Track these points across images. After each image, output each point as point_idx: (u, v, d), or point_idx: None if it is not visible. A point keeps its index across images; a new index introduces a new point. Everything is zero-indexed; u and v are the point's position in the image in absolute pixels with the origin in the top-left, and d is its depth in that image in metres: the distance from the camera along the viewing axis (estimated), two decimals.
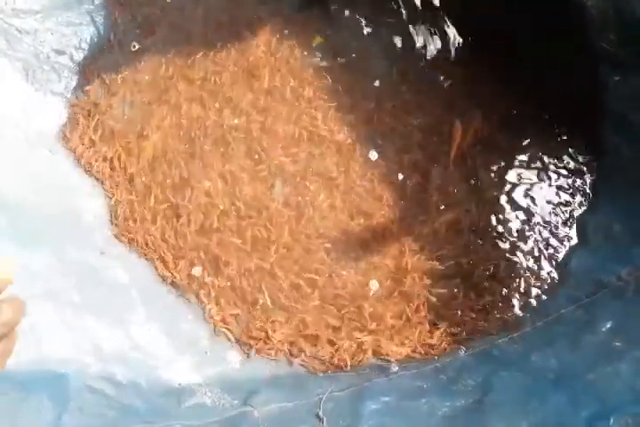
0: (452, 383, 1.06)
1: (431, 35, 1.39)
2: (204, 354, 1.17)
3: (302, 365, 1.17)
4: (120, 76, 1.33)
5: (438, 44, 1.39)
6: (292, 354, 1.19)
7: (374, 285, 1.21)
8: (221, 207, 1.27)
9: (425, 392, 1.04)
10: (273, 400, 1.06)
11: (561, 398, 0.94)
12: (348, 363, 1.17)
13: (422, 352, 1.16)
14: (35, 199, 1.17)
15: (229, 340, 1.19)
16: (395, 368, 1.14)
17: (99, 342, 1.08)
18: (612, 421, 0.86)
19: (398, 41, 1.38)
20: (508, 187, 1.32)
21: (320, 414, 1.03)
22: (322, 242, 1.26)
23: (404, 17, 1.40)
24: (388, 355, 1.17)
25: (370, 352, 1.17)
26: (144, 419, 1.01)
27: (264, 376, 1.14)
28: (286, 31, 1.38)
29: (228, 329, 1.20)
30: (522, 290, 1.24)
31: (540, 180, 1.32)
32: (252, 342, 1.19)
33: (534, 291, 1.23)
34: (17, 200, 1.14)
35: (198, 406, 1.08)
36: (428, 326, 1.20)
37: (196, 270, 1.23)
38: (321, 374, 1.15)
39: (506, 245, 1.27)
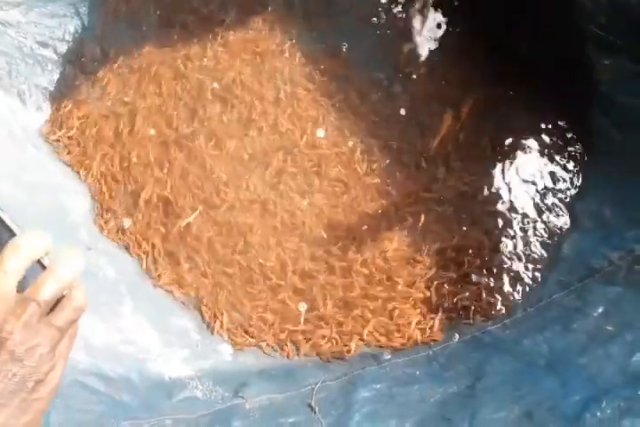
0: (445, 370, 1.06)
1: (421, 22, 1.38)
2: (194, 347, 1.16)
3: (294, 355, 1.17)
4: (105, 68, 1.32)
5: (429, 31, 1.38)
6: (281, 346, 1.18)
7: (302, 306, 1.20)
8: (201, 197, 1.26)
9: (417, 379, 1.04)
10: (264, 392, 1.05)
11: (553, 383, 0.94)
12: (343, 352, 1.16)
13: (414, 340, 1.16)
14: (19, 196, 1.16)
15: (219, 333, 1.19)
16: (387, 356, 1.13)
17: (88, 338, 1.07)
18: (604, 404, 0.86)
19: (388, 30, 1.38)
20: (496, 172, 1.31)
21: (312, 404, 1.03)
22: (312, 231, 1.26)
23: (394, 4, 1.39)
24: (380, 342, 1.17)
25: (361, 341, 1.17)
26: (134, 414, 1.01)
27: (255, 368, 1.14)
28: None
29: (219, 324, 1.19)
30: (513, 276, 1.23)
31: (529, 165, 1.32)
32: (240, 335, 1.18)
33: (525, 276, 1.23)
34: (1, 197, 1.12)
35: (189, 399, 1.07)
36: (419, 314, 1.19)
37: (126, 222, 1.23)
38: (313, 365, 1.15)
39: (496, 231, 1.27)
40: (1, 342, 0.43)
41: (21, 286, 0.45)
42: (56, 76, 1.31)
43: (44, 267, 0.47)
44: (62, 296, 0.47)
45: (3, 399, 0.42)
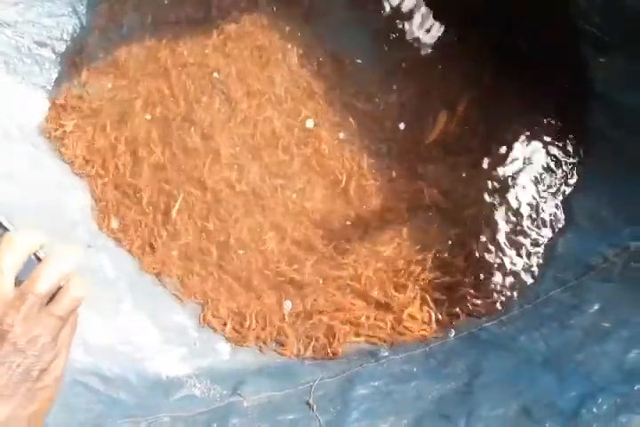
0: (442, 367, 1.06)
1: (422, 21, 1.39)
2: (192, 345, 1.16)
3: (290, 353, 1.17)
4: (104, 66, 1.32)
5: (429, 31, 1.39)
6: (278, 344, 1.18)
7: (288, 305, 1.20)
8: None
9: (415, 376, 1.05)
10: (262, 389, 1.06)
11: (549, 379, 0.94)
12: (339, 350, 1.17)
13: (411, 337, 1.16)
14: (18, 194, 1.16)
15: (216, 331, 1.19)
16: (385, 353, 1.14)
17: (87, 336, 1.07)
18: (600, 400, 0.86)
19: (383, 26, 1.38)
20: (492, 170, 1.31)
21: (310, 401, 1.03)
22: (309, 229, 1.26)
23: (395, 5, 1.40)
24: (375, 340, 1.17)
25: (355, 339, 1.18)
26: (132, 413, 1.01)
27: (253, 366, 1.14)
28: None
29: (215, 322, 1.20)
30: (509, 273, 1.24)
31: (526, 163, 1.32)
32: (237, 333, 1.19)
33: (522, 274, 1.23)
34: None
35: (187, 397, 1.07)
36: (415, 311, 1.20)
37: (114, 222, 1.24)
38: (310, 362, 1.15)
39: (492, 229, 1.27)
40: (2, 334, 0.44)
41: (19, 280, 0.46)
42: (54, 76, 1.31)
43: (40, 260, 0.49)
44: (60, 286, 0.48)
45: (9, 390, 0.44)
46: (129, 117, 1.30)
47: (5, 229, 0.50)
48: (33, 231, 0.48)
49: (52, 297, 0.48)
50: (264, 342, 1.17)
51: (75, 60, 1.32)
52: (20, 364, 0.44)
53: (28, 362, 0.45)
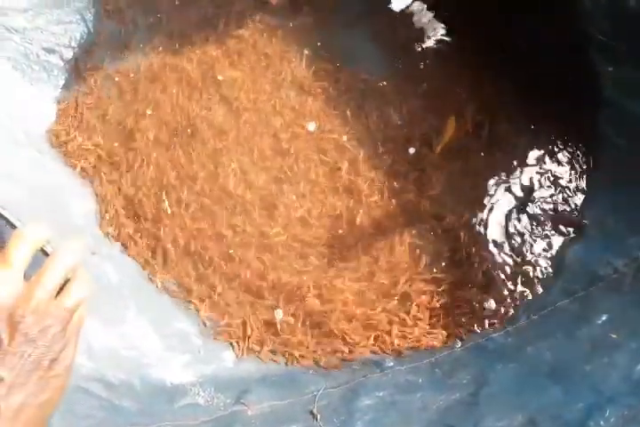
0: (448, 377, 1.05)
1: (422, 25, 1.39)
2: (196, 353, 1.15)
3: (296, 363, 1.17)
4: (110, 74, 1.33)
5: (428, 34, 1.39)
6: (284, 354, 1.18)
7: (279, 314, 1.19)
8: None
9: (420, 387, 1.04)
10: (266, 398, 1.05)
11: (556, 390, 0.94)
12: (346, 359, 1.16)
13: (418, 347, 1.16)
14: (22, 200, 1.16)
15: (219, 339, 1.19)
16: (390, 363, 1.13)
17: (90, 342, 1.07)
18: (607, 412, 0.85)
19: (387, 32, 1.39)
20: (498, 179, 1.31)
21: (314, 411, 1.02)
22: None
23: (393, 8, 1.40)
24: (383, 349, 1.17)
25: (364, 346, 1.17)
26: (135, 420, 1.01)
27: (257, 375, 1.13)
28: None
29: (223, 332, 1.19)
30: (516, 283, 1.23)
31: (533, 172, 1.31)
32: (240, 342, 1.18)
33: (529, 284, 1.22)
34: (3, 201, 1.13)
35: (191, 405, 1.06)
36: (420, 322, 1.19)
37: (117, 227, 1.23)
38: (314, 372, 1.14)
39: (498, 239, 1.27)
40: (14, 325, 0.46)
41: (28, 273, 0.50)
42: (62, 82, 1.32)
43: (47, 255, 0.54)
44: (68, 279, 0.52)
45: (21, 379, 0.46)
46: (135, 122, 1.30)
47: (13, 226, 0.54)
48: (40, 227, 0.53)
49: (61, 288, 0.51)
50: (271, 351, 1.17)
51: (82, 66, 1.33)
52: (32, 353, 0.46)
53: (38, 352, 0.47)
